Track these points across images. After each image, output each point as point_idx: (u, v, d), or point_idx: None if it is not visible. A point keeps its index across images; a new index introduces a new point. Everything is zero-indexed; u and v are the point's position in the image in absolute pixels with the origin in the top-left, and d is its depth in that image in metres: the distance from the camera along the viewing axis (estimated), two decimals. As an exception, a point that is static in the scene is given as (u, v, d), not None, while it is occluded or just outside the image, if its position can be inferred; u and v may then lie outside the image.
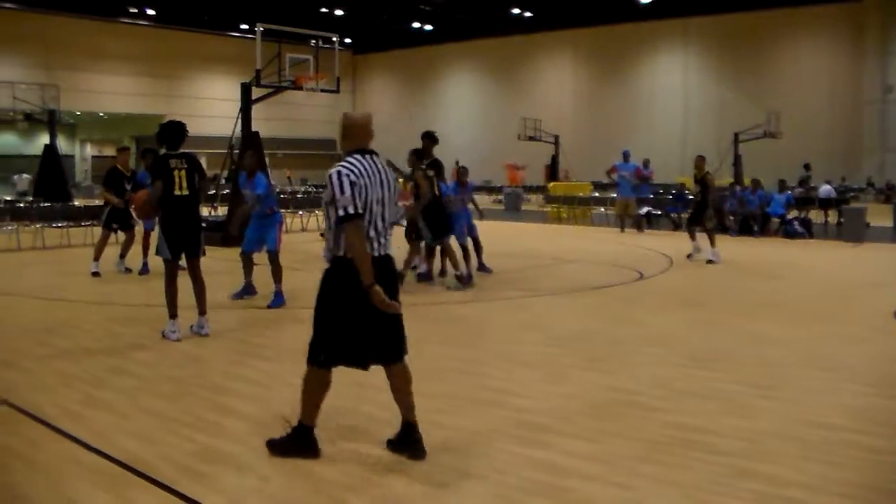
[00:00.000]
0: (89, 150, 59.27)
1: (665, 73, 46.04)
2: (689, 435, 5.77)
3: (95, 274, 13.50)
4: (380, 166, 5.27)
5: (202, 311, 9.10)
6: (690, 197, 25.43)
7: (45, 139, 30.08)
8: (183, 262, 8.98)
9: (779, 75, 41.71)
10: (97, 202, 21.80)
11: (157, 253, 8.99)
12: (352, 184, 5.03)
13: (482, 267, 13.83)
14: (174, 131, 8.89)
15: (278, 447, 5.35)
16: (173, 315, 8.84)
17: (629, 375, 7.48)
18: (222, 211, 22.14)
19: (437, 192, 12.47)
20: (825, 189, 26.43)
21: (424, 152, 12.94)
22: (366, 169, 5.15)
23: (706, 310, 11.03)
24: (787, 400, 6.68)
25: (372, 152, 5.31)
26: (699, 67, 44.90)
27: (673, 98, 45.37)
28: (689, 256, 16.28)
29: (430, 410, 6.33)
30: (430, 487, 4.88)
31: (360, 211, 5.01)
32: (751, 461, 5.26)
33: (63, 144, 35.96)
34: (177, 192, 8.69)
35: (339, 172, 5.09)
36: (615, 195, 24.80)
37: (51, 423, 5.98)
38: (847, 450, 5.54)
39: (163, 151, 9.00)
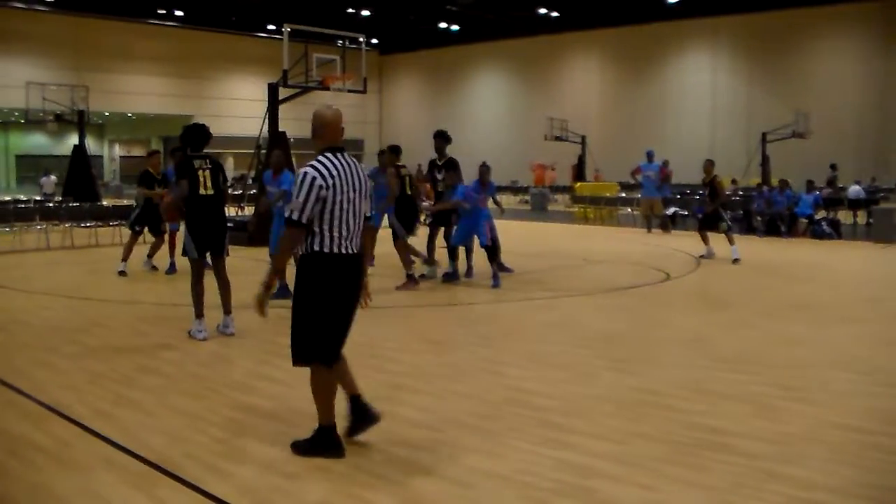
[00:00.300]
0: (118, 151, 59.83)
1: (693, 72, 45.75)
2: (716, 437, 5.74)
3: (122, 273, 13.61)
4: (351, 164, 5.33)
5: (227, 311, 9.15)
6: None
7: (74, 139, 30.30)
8: (209, 261, 9.04)
9: (807, 75, 41.36)
10: (125, 202, 21.98)
11: (184, 253, 9.06)
12: (316, 188, 5.12)
13: (502, 267, 13.81)
14: (197, 133, 8.98)
15: (302, 449, 5.38)
16: (200, 315, 8.91)
17: (656, 376, 7.44)
18: (249, 211, 22.24)
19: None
20: (854, 189, 26.17)
21: (438, 151, 13.49)
22: (337, 168, 5.22)
23: (734, 311, 10.96)
24: (816, 402, 6.63)
25: (342, 150, 5.36)
26: (728, 67, 44.59)
27: (701, 98, 45.08)
28: (701, 257, 16.33)
29: (457, 411, 6.34)
30: (456, 487, 4.88)
31: (305, 221, 5.13)
32: (778, 464, 5.23)
33: (92, 145, 36.29)
34: (202, 192, 8.78)
35: (306, 174, 5.17)
36: (639, 195, 24.73)
37: (80, 421, 6.03)
38: (876, 453, 5.49)
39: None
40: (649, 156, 23.00)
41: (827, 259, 16.94)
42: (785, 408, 6.46)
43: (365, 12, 45.82)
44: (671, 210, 25.17)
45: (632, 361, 8.06)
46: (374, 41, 51.13)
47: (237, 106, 49.69)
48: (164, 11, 47.20)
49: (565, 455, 5.39)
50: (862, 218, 24.86)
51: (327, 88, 20.36)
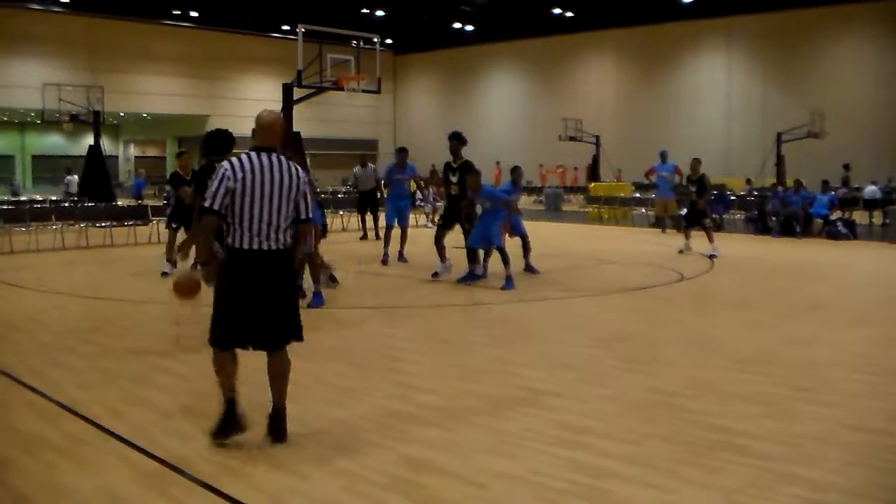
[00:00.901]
0: (132, 151, 59.99)
1: (708, 72, 45.59)
2: (731, 438, 5.72)
3: (165, 275, 13.50)
4: (275, 164, 5.44)
5: None
6: (732, 197, 25.34)
7: (89, 140, 30.46)
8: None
9: (822, 74, 41.15)
10: (146, 203, 22.07)
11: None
12: (224, 180, 5.33)
13: (530, 268, 13.84)
14: (220, 139, 9.02)
15: (215, 433, 5.57)
16: None
17: (670, 377, 7.43)
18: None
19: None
20: (871, 189, 26.04)
21: (453, 153, 13.52)
22: (252, 165, 5.37)
23: (748, 311, 10.91)
24: (831, 403, 6.60)
25: (270, 150, 5.48)
26: (742, 67, 44.41)
27: (716, 98, 44.93)
28: (679, 252, 17.17)
29: (470, 410, 6.35)
30: (469, 487, 4.88)
31: (216, 208, 5.31)
32: (793, 465, 5.21)
33: (107, 145, 36.41)
34: None
35: (222, 166, 5.40)
36: (653, 196, 24.67)
37: (95, 420, 6.06)
38: (890, 454, 5.46)
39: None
40: (663, 156, 22.91)
41: (842, 259, 16.87)
42: (798, 409, 6.44)
43: (379, 12, 45.86)
44: (685, 210, 25.10)
45: (645, 362, 8.05)
46: (389, 41, 51.14)
47: (252, 106, 49.16)
48: (179, 12, 47.33)
49: (579, 455, 5.38)
50: (878, 218, 24.73)
51: (341, 89, 20.41)
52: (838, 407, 6.51)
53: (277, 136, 5.60)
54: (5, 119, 51.08)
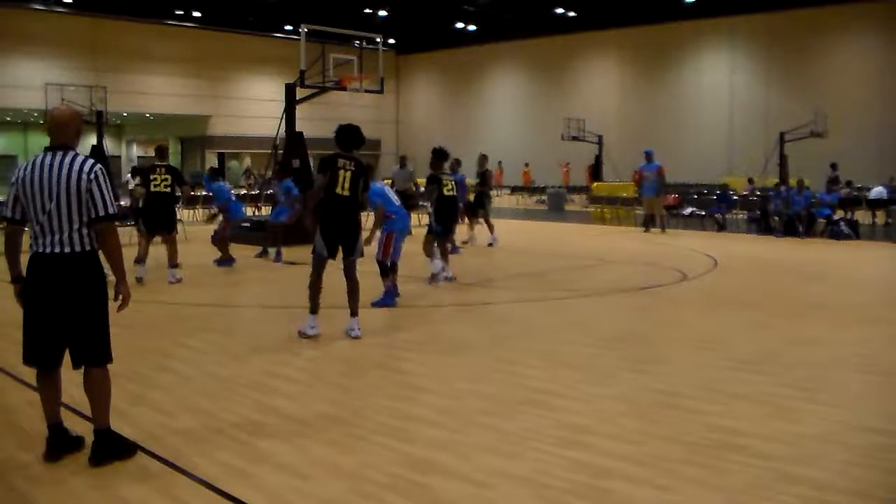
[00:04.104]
0: (135, 151, 60.00)
1: (710, 72, 45.54)
2: (734, 438, 5.72)
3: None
4: (51, 164, 5.13)
5: (353, 313, 9.04)
6: (735, 197, 25.32)
7: (92, 140, 30.49)
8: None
9: (825, 74, 41.09)
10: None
11: (313, 250, 8.97)
12: (12, 186, 5.21)
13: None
14: (350, 134, 8.98)
15: (45, 454, 5.37)
16: (314, 310, 8.88)
17: (672, 377, 7.43)
18: (265, 211, 22.30)
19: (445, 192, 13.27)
20: (878, 190, 26.00)
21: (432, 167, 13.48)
22: (32, 166, 5.17)
23: (751, 311, 10.90)
24: (834, 404, 6.60)
25: (56, 149, 5.21)
26: (745, 66, 44.35)
27: (719, 98, 44.86)
28: (464, 244, 18.10)
29: (473, 410, 6.35)
30: (472, 487, 4.88)
31: (9, 215, 5.21)
32: (796, 465, 5.21)
33: (110, 145, 36.28)
34: (338, 192, 8.77)
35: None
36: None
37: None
38: (893, 455, 5.46)
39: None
40: (648, 156, 22.84)
41: (845, 259, 16.86)
42: (802, 409, 6.44)
43: (382, 13, 45.87)
44: (688, 210, 25.12)
45: (648, 362, 8.05)
46: (391, 41, 51.15)
47: (254, 106, 49.82)
48: (182, 12, 47.35)
49: (581, 455, 5.39)
50: (881, 218, 24.72)
51: (345, 89, 20.40)
52: (841, 407, 6.50)
53: (65, 134, 5.28)
54: (8, 119, 51.10)
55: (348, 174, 8.82)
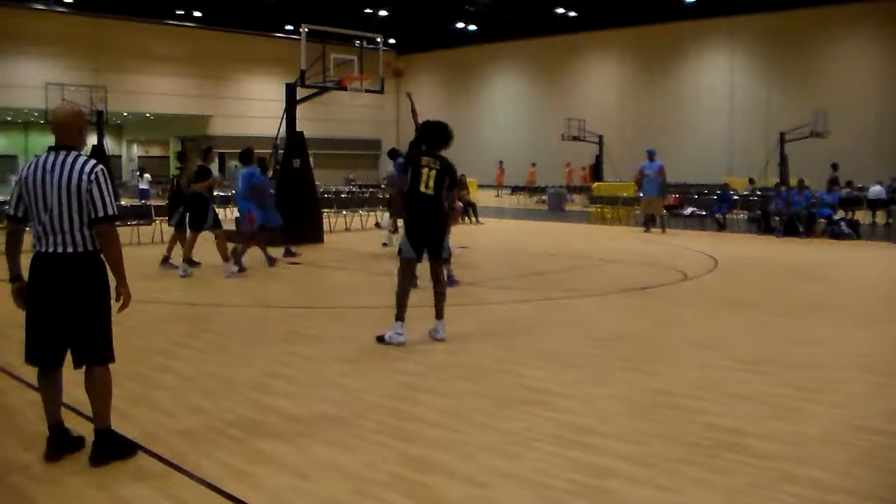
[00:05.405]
0: (136, 151, 60.03)
1: (711, 72, 45.53)
2: (734, 438, 5.72)
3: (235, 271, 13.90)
4: (60, 164, 5.13)
5: (439, 315, 8.95)
6: (735, 197, 25.30)
7: (92, 140, 30.51)
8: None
9: (826, 74, 41.08)
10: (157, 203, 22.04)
11: (399, 252, 8.90)
12: (16, 184, 5.26)
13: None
14: (438, 132, 8.85)
15: (46, 454, 5.39)
16: (400, 317, 8.70)
17: (673, 377, 7.43)
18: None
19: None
20: (876, 189, 26.00)
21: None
22: (35, 165, 5.19)
23: (751, 311, 10.91)
24: (834, 404, 6.59)
25: (59, 148, 5.21)
26: (745, 67, 44.34)
27: (719, 98, 44.86)
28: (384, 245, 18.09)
29: (473, 410, 6.35)
30: (472, 487, 4.88)
31: (12, 213, 5.25)
32: (796, 465, 5.21)
33: (110, 145, 36.41)
34: (422, 190, 8.63)
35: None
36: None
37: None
38: (893, 454, 5.46)
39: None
40: (650, 155, 22.82)
41: (846, 259, 16.86)
42: (802, 409, 6.43)
43: (382, 12, 45.89)
44: (689, 210, 25.13)
45: (648, 362, 8.05)
46: (392, 41, 51.14)
47: (255, 106, 49.81)
48: (183, 12, 47.34)
49: (582, 455, 5.39)
50: (881, 218, 24.71)
51: (345, 88, 20.40)
52: (841, 407, 6.50)
53: (73, 134, 5.28)
54: (9, 119, 51.10)
55: (433, 173, 8.65)
